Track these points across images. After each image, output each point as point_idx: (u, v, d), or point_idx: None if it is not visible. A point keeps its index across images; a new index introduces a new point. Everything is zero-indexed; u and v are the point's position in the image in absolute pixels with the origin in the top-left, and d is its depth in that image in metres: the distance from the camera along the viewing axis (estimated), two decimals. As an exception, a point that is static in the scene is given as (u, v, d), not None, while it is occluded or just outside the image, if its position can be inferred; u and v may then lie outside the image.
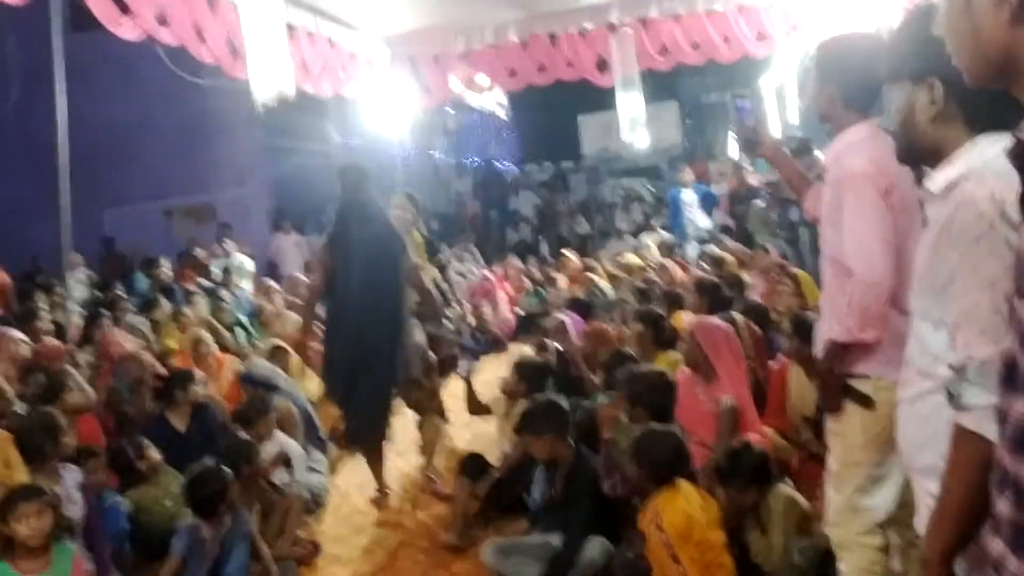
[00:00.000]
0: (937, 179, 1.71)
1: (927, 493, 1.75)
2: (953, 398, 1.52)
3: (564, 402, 4.19)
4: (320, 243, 5.14)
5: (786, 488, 3.63)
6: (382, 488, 5.12)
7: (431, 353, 5.75)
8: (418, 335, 5.53)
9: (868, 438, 2.57)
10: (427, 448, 5.37)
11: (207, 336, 6.61)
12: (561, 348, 5.95)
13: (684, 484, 3.42)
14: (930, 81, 1.69)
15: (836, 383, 2.61)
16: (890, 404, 2.49)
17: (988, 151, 1.62)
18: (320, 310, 5.43)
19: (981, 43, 1.24)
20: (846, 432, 2.62)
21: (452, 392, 6.11)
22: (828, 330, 2.66)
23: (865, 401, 2.55)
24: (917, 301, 1.79)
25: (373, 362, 4.85)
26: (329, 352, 5.04)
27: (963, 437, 1.50)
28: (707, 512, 3.36)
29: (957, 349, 1.56)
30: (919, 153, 1.81)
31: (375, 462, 5.11)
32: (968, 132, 1.69)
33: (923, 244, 1.75)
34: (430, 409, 5.47)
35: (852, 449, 2.61)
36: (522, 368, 5.11)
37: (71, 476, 4.02)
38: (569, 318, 6.44)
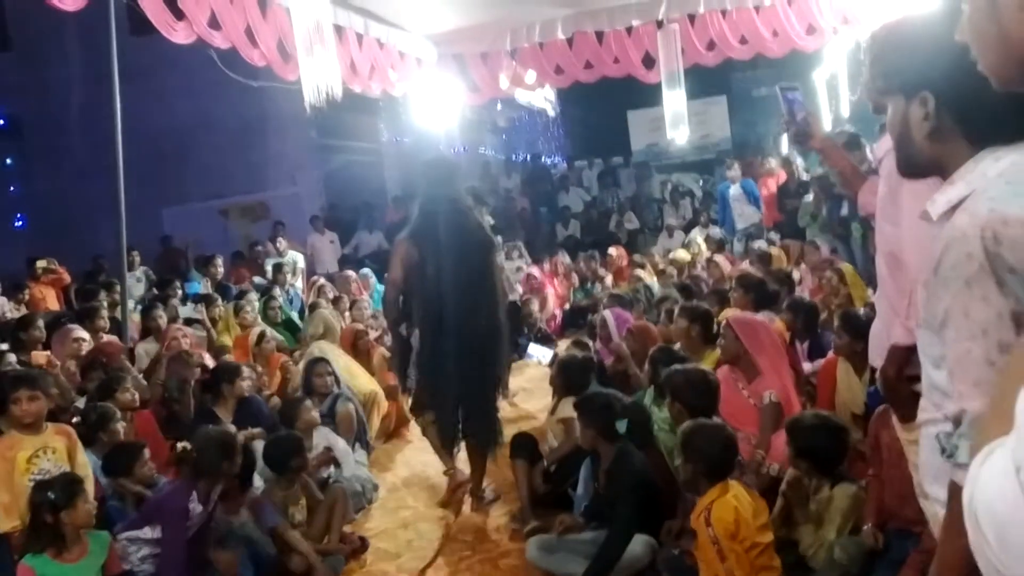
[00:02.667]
0: (938, 202, 1.55)
1: (936, 523, 1.66)
2: (945, 452, 1.41)
3: (617, 401, 4.16)
4: (401, 238, 4.84)
5: (852, 487, 3.60)
6: (477, 490, 5.00)
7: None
8: None
9: None
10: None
11: (272, 332, 6.78)
12: (605, 345, 5.97)
13: (735, 484, 3.41)
14: (923, 95, 1.57)
15: (905, 390, 2.43)
16: None
17: (991, 170, 1.47)
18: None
19: (1009, 45, 1.21)
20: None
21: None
22: (888, 334, 2.53)
23: None
24: (919, 336, 1.66)
25: (480, 361, 4.72)
26: (428, 349, 4.71)
27: (959, 495, 1.43)
28: (757, 514, 3.35)
29: (953, 399, 1.44)
30: (919, 169, 1.68)
31: (483, 464, 5.00)
32: (969, 148, 1.54)
33: (920, 280, 1.61)
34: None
35: None
36: (564, 364, 5.14)
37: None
38: (614, 314, 6.45)
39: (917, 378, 2.30)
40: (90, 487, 3.87)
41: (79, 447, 4.09)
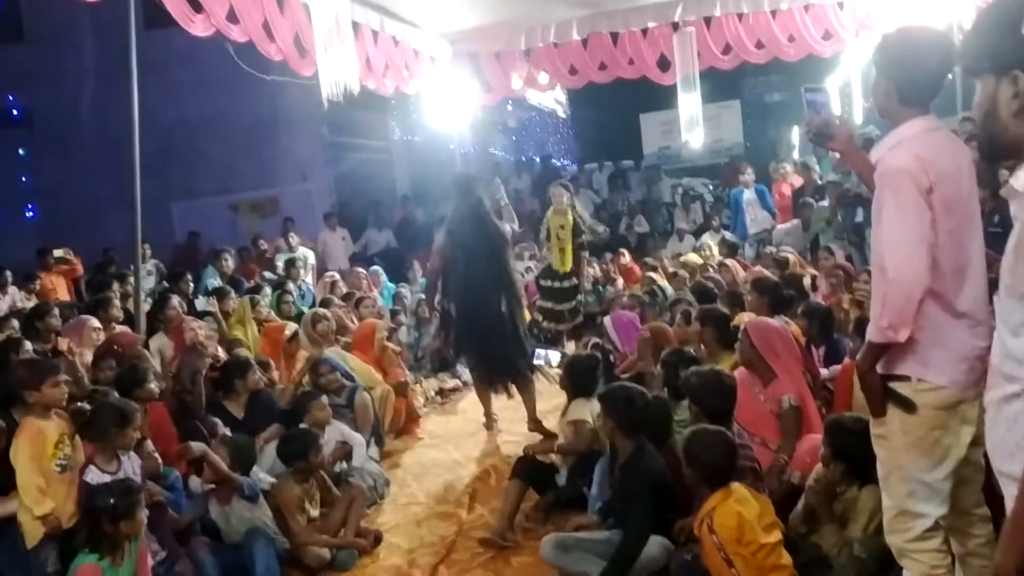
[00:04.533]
0: (1021, 177, 1.60)
1: (1012, 498, 1.67)
2: None
3: (642, 399, 4.10)
4: (441, 236, 6.40)
5: (879, 489, 3.55)
6: (534, 417, 6.23)
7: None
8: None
9: (910, 442, 2.52)
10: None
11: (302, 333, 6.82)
12: (616, 346, 5.96)
13: (737, 486, 3.38)
14: (1014, 74, 1.59)
15: (877, 385, 2.57)
16: (931, 407, 2.48)
17: None
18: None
19: None
20: (888, 436, 2.58)
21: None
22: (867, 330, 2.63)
23: (906, 404, 2.50)
24: (999, 304, 1.70)
25: (502, 321, 6.17)
26: (456, 318, 6.32)
27: None
28: (762, 514, 3.32)
29: None
30: (1001, 149, 1.71)
31: (531, 398, 6.34)
32: None
33: (1008, 247, 1.65)
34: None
35: (895, 453, 2.57)
36: (570, 366, 5.18)
37: (129, 463, 4.09)
38: (613, 318, 6.46)
39: (888, 377, 2.54)
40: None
41: (75, 434, 4.10)
